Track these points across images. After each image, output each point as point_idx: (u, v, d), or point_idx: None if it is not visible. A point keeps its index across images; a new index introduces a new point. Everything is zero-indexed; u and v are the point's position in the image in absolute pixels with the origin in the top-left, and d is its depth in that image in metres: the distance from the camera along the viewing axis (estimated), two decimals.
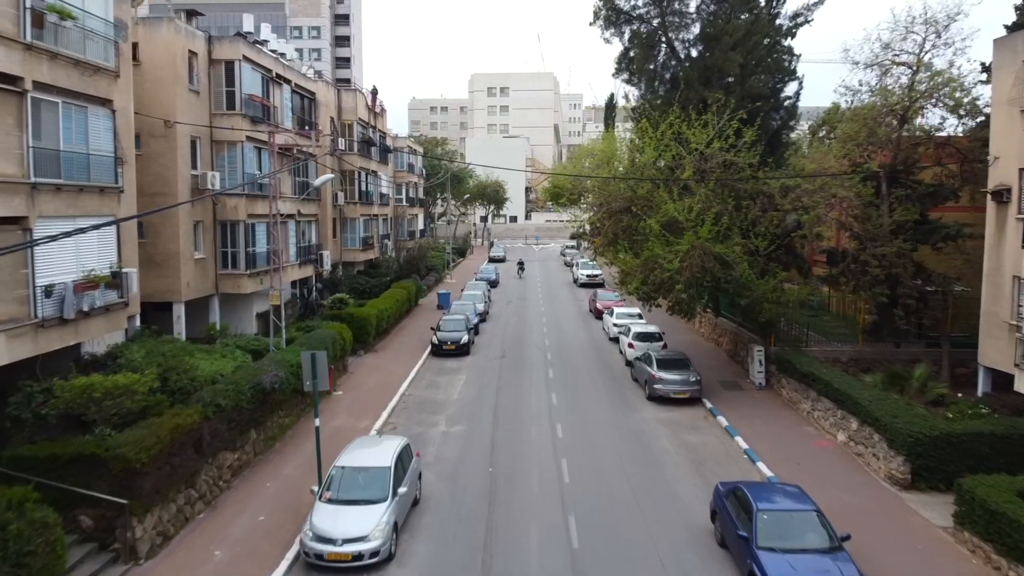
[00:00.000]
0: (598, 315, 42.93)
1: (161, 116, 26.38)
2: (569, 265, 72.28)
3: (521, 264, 63.27)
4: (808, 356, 26.28)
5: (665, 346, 31.30)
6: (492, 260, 77.82)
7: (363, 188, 49.03)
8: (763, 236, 26.13)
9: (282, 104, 33.84)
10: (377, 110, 52.83)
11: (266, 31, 42.06)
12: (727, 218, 25.75)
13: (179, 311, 26.98)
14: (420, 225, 72.76)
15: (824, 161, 26.70)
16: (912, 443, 18.65)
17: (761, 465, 20.16)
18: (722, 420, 24.03)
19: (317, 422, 17.81)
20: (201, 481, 17.47)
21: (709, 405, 25.66)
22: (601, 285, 56.97)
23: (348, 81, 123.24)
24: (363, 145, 48.61)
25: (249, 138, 29.83)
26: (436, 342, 33.32)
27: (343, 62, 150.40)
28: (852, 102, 28.43)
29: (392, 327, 38.67)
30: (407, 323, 41.23)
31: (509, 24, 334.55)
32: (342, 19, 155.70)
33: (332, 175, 26.09)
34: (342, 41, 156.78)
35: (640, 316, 36.72)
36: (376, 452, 16.67)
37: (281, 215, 33.19)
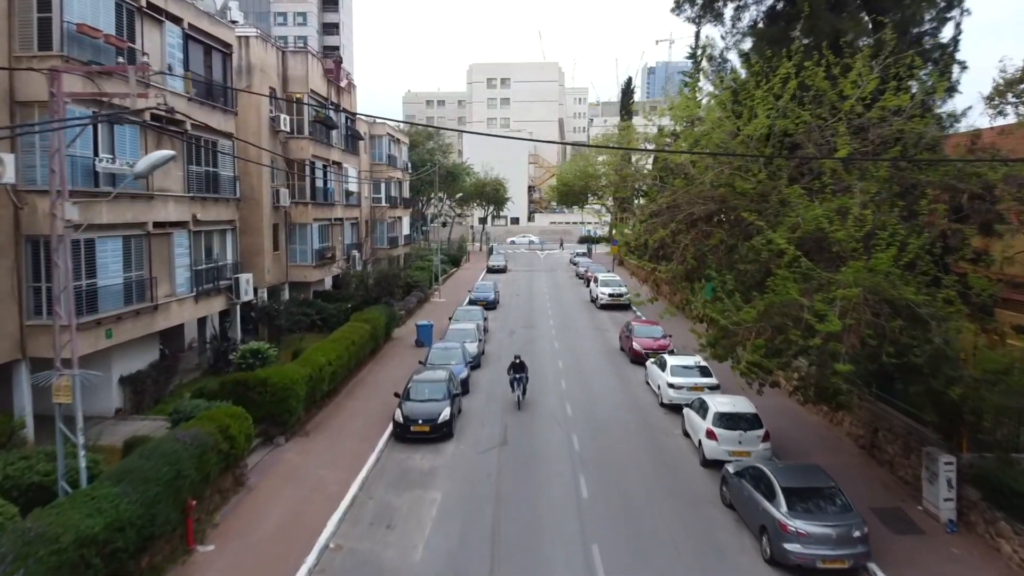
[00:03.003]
0: (635, 357, 30.99)
1: None
2: (582, 278, 60.44)
3: (517, 371, 25.15)
4: None
5: (767, 436, 19.40)
6: (491, 270, 66.00)
7: (319, 184, 37.08)
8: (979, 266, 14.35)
9: (162, 52, 21.88)
10: (341, 84, 40.86)
11: None
12: (923, 236, 13.89)
13: None
14: (405, 229, 60.87)
15: None
16: None
17: None
18: None
19: None
20: None
21: None
22: (627, 307, 45.10)
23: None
24: (318, 127, 36.64)
25: (82, 99, 17.86)
26: (401, 420, 21.37)
27: (331, 52, 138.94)
28: None
29: (344, 383, 26.74)
30: (369, 373, 29.27)
31: (509, 20, 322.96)
32: (330, 5, 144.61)
33: (171, 153, 14.15)
34: (330, 29, 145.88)
35: (704, 370, 24.83)
36: None
37: (158, 224, 21.32)
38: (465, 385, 26.07)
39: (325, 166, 37.83)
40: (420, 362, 27.65)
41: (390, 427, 21.87)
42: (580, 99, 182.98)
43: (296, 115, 34.76)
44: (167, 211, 21.72)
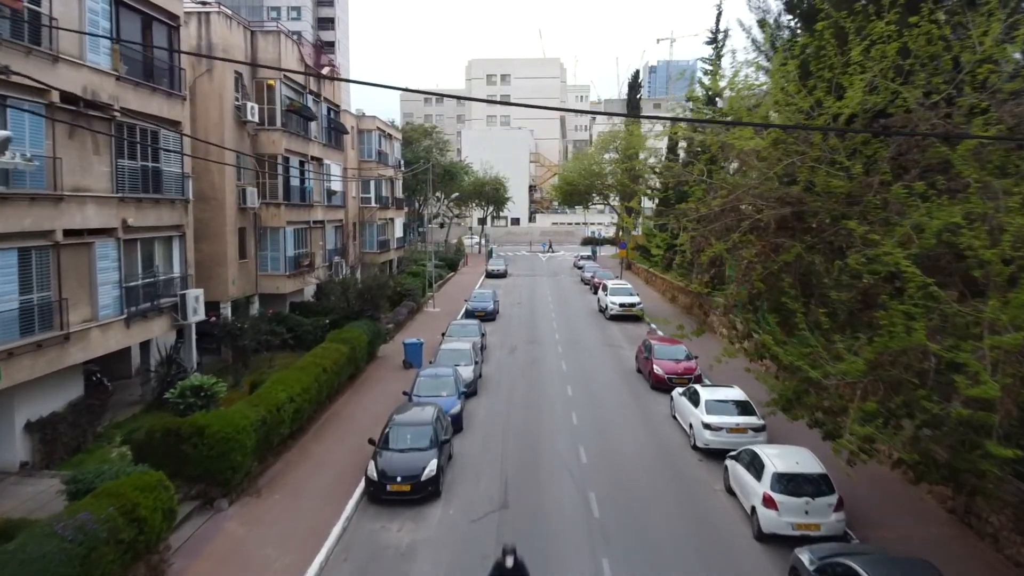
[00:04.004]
0: (656, 382, 26.78)
1: None
2: (587, 283, 56.29)
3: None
4: None
5: (841, 503, 15.18)
6: (490, 275, 61.90)
7: (295, 182, 32.86)
8: None
9: (81, 19, 17.62)
10: (323, 71, 36.60)
11: None
12: None
13: None
14: (398, 232, 56.64)
15: None
16: None
17: None
18: None
19: None
20: None
21: None
22: (640, 318, 40.98)
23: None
24: (294, 117, 32.41)
25: None
26: (375, 477, 17.10)
27: (327, 47, 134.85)
28: None
29: (313, 419, 22.50)
30: (346, 404, 25.00)
31: (508, 20, 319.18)
32: None
33: (3, 135, 9.94)
34: (325, 24, 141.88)
35: (745, 406, 20.60)
36: None
37: (71, 232, 17.12)
38: (458, 422, 21.83)
39: (302, 162, 33.59)
40: (405, 392, 23.44)
41: (362, 483, 17.62)
42: (582, 97, 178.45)
43: (267, 104, 30.54)
44: (84, 215, 17.47)
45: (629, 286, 45.31)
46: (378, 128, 50.00)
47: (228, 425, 16.34)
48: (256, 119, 29.35)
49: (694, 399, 21.42)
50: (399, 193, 57.97)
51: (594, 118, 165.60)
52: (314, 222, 35.30)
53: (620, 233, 72.88)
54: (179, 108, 21.92)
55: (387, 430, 18.53)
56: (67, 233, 16.88)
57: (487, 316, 40.11)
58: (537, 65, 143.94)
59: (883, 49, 12.17)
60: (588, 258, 71.39)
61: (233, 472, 16.36)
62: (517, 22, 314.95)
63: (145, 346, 23.29)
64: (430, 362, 27.58)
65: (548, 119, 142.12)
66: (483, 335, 33.13)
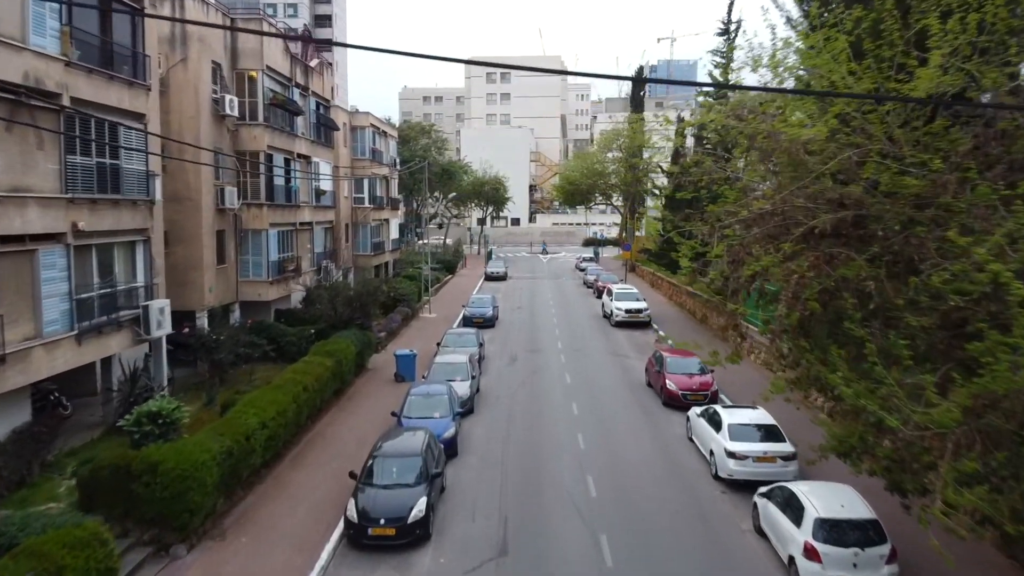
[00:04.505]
0: (668, 398, 24.69)
1: None
2: (590, 286, 54.25)
3: None
4: None
5: (895, 554, 13.07)
6: (489, 278, 59.92)
7: (279, 181, 30.73)
8: None
9: None
10: (310, 63, 34.49)
11: None
12: None
13: None
14: (393, 233, 54.51)
15: None
16: None
17: None
18: None
19: None
20: None
21: None
22: (647, 324, 39.00)
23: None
24: (278, 111, 30.28)
25: None
26: (355, 519, 14.97)
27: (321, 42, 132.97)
28: None
29: (292, 444, 20.36)
30: (330, 424, 22.86)
31: (508, 19, 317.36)
32: None
33: None
34: (323, 21, 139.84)
35: (773, 431, 18.49)
36: None
37: (8, 239, 15.00)
38: (451, 446, 19.72)
39: (287, 160, 31.44)
40: (393, 413, 21.33)
41: (342, 522, 15.51)
42: (582, 96, 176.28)
43: (249, 97, 28.41)
44: (25, 219, 15.34)
45: (636, 291, 43.17)
46: (372, 125, 47.85)
47: (185, 460, 14.20)
48: (236, 113, 27.23)
49: (715, 422, 19.28)
50: (395, 193, 55.85)
51: (595, 117, 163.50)
52: (301, 224, 33.17)
53: (624, 234, 70.81)
54: (143, 99, 19.80)
55: (370, 461, 16.39)
56: (4, 239, 14.77)
57: (486, 323, 38.03)
58: (537, 63, 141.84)
59: (959, 20, 10.07)
60: (590, 260, 69.27)
61: (191, 515, 14.24)
62: (517, 22, 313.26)
63: (109, 361, 21.18)
64: (423, 376, 25.56)
65: (549, 118, 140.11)
66: (481, 344, 31.04)
